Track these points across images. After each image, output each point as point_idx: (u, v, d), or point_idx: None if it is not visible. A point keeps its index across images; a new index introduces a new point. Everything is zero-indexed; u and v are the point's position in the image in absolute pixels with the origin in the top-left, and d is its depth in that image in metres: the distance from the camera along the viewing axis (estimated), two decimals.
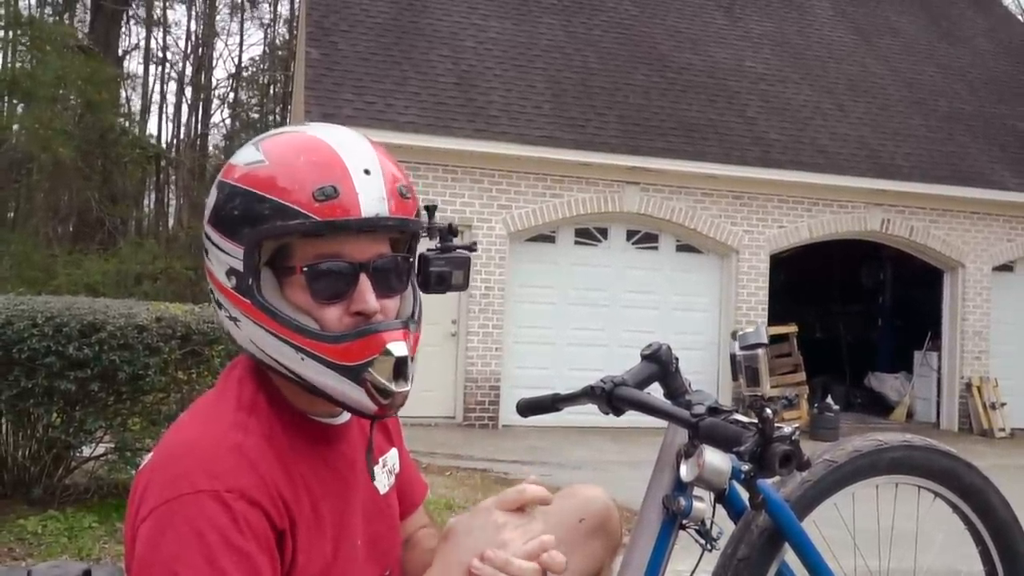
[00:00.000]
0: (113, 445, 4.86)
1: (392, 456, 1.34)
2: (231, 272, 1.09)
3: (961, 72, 13.10)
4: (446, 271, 1.25)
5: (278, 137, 1.14)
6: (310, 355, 1.07)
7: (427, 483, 1.51)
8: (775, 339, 10.26)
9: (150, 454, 1.09)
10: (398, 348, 1.08)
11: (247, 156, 1.11)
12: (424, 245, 1.25)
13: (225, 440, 1.04)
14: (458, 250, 1.27)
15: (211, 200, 1.12)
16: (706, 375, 9.90)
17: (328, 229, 1.05)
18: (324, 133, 1.13)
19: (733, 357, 9.83)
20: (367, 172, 1.08)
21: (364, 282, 1.09)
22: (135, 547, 1.01)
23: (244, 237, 1.06)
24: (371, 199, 1.06)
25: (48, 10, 21.96)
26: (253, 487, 1.02)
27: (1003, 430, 10.55)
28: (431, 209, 1.27)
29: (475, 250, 1.33)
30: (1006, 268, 11.35)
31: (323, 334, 1.07)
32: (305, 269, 1.08)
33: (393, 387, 1.09)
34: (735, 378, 9.86)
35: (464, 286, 1.28)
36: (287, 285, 1.10)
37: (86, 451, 4.87)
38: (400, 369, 1.09)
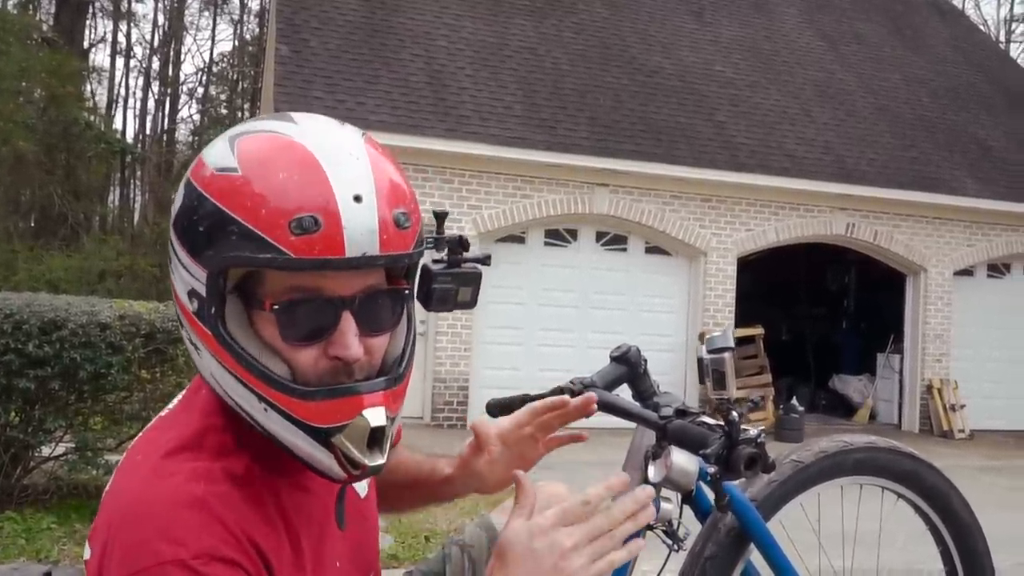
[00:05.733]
0: (73, 445, 4.78)
1: None
2: (193, 294, 0.93)
3: (924, 80, 13.34)
4: (450, 289, 1.11)
5: (258, 137, 0.94)
6: (274, 408, 0.92)
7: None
8: (742, 341, 10.36)
9: (112, 477, 0.99)
10: (375, 416, 0.93)
11: (219, 156, 0.93)
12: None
13: (181, 496, 0.90)
14: (468, 264, 1.12)
15: (177, 200, 0.96)
16: (673, 376, 9.97)
17: (304, 267, 0.88)
18: (313, 139, 0.93)
19: (700, 360, 9.91)
20: (358, 199, 0.89)
21: (346, 322, 0.93)
22: None
23: (208, 260, 0.90)
24: (359, 233, 0.88)
25: (12, 0, 21.53)
26: (222, 544, 0.90)
27: (963, 431, 10.75)
28: (441, 217, 1.14)
29: (488, 264, 1.15)
30: (966, 273, 11.58)
31: (292, 387, 0.92)
32: (275, 307, 0.92)
33: (365, 460, 0.94)
34: (702, 381, 9.94)
35: (472, 304, 1.13)
36: (257, 317, 0.94)
37: (45, 451, 4.77)
38: (376, 439, 0.94)
